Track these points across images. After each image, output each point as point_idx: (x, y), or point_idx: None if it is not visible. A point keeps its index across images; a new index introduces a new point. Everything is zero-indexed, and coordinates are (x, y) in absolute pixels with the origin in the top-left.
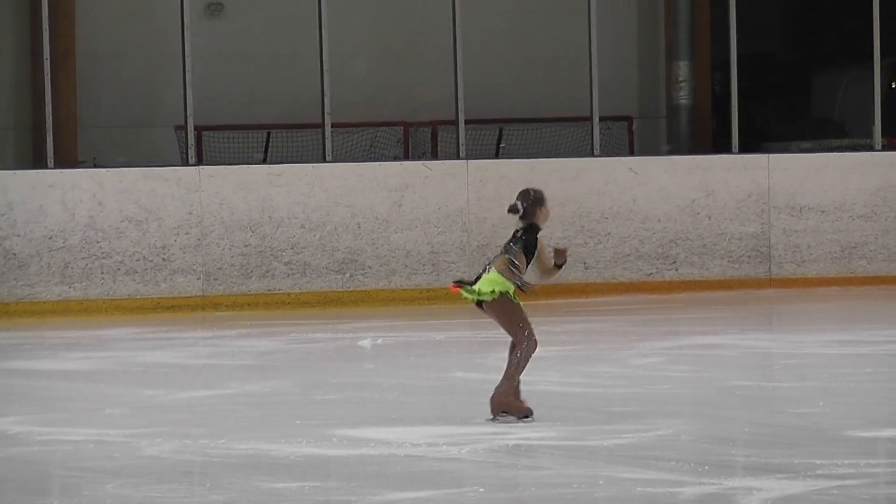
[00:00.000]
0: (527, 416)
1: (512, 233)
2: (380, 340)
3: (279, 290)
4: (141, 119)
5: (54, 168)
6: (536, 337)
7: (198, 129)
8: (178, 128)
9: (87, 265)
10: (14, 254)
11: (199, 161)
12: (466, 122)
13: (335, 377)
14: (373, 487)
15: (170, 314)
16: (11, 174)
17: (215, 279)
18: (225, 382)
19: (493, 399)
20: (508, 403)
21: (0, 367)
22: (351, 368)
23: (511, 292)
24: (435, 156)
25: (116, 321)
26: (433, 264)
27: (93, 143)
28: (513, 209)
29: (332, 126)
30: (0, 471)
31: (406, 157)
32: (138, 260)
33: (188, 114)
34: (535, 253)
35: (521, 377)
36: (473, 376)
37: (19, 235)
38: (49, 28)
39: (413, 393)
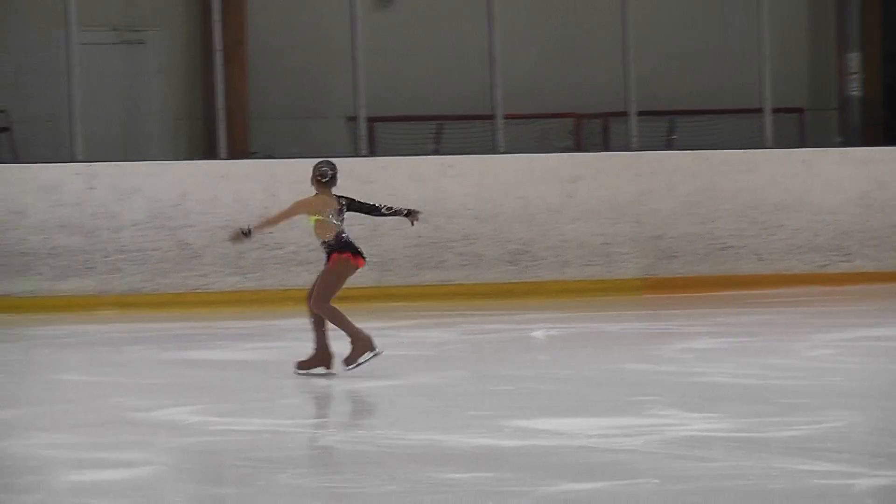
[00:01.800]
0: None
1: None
2: (553, 331)
3: (452, 280)
4: (312, 110)
5: (227, 159)
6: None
7: (369, 120)
8: (349, 119)
9: (260, 256)
10: (188, 244)
11: (372, 152)
12: (637, 113)
13: (508, 368)
14: (546, 478)
15: (343, 305)
16: (185, 165)
17: (388, 270)
18: (399, 373)
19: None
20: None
21: (175, 357)
22: (524, 359)
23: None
24: (606, 147)
25: (290, 312)
26: (605, 255)
27: (264, 134)
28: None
29: (503, 117)
30: (176, 460)
31: (577, 148)
32: (311, 251)
33: (359, 105)
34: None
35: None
36: (647, 368)
37: (193, 226)
38: (221, 20)
39: (586, 384)
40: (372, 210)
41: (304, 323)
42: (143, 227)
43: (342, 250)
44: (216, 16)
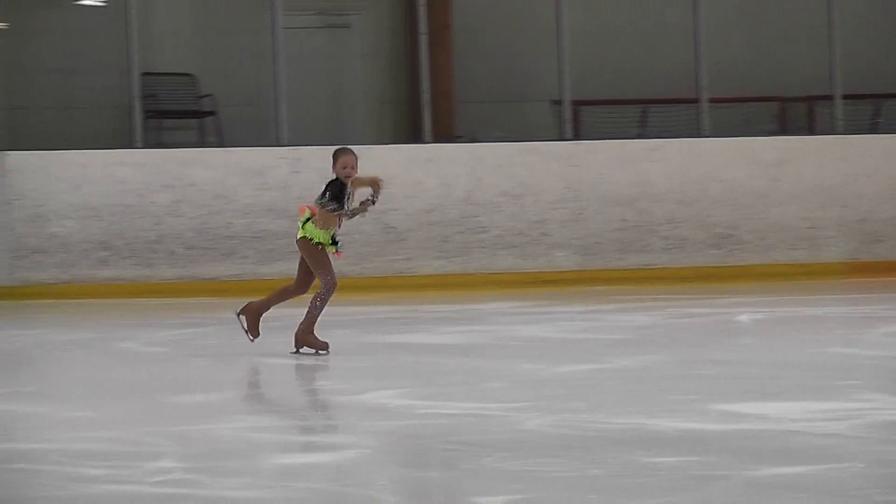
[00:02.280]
0: (322, 351)
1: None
2: (757, 315)
3: (656, 264)
4: (516, 94)
5: (432, 143)
6: (335, 280)
7: (574, 103)
8: (553, 102)
9: (464, 239)
10: (393, 227)
11: (576, 136)
12: (843, 97)
13: (713, 352)
14: (751, 462)
15: (547, 288)
16: (389, 149)
17: (593, 254)
18: (602, 357)
19: (295, 335)
20: (306, 339)
21: (379, 340)
22: (728, 343)
23: (317, 241)
24: (811, 131)
25: (494, 295)
26: (811, 240)
27: (469, 117)
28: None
29: (707, 101)
30: (380, 443)
31: (782, 132)
32: (516, 234)
33: (564, 88)
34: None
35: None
36: (851, 352)
37: (398, 209)
38: (426, 3)
39: (791, 368)
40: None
41: (509, 306)
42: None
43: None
44: None
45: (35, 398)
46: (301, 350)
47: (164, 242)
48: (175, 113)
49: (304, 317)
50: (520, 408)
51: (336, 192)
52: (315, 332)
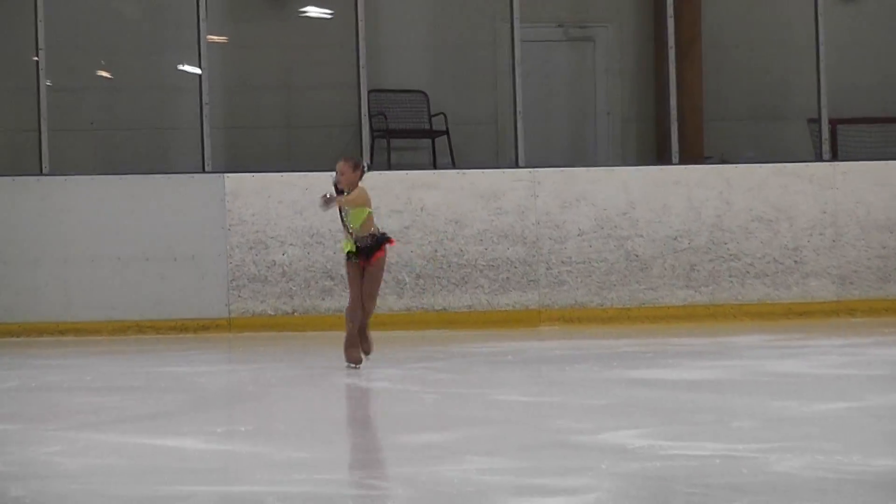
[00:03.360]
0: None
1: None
2: None
3: None
4: (770, 111)
5: (679, 164)
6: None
7: (832, 122)
8: (810, 120)
9: (713, 267)
10: (636, 255)
11: (834, 156)
12: None
13: None
14: None
15: (801, 320)
16: (634, 170)
17: (850, 283)
18: (860, 394)
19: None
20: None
21: (621, 376)
22: None
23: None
24: None
25: (744, 327)
26: None
27: (719, 137)
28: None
29: None
30: (621, 486)
31: None
32: (768, 262)
33: (821, 105)
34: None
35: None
36: None
37: (642, 236)
38: (674, 14)
39: None
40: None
41: (760, 339)
42: (588, 236)
43: (383, 242)
44: (669, 10)
45: (252, 437)
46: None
47: (392, 271)
48: (405, 132)
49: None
50: (771, 448)
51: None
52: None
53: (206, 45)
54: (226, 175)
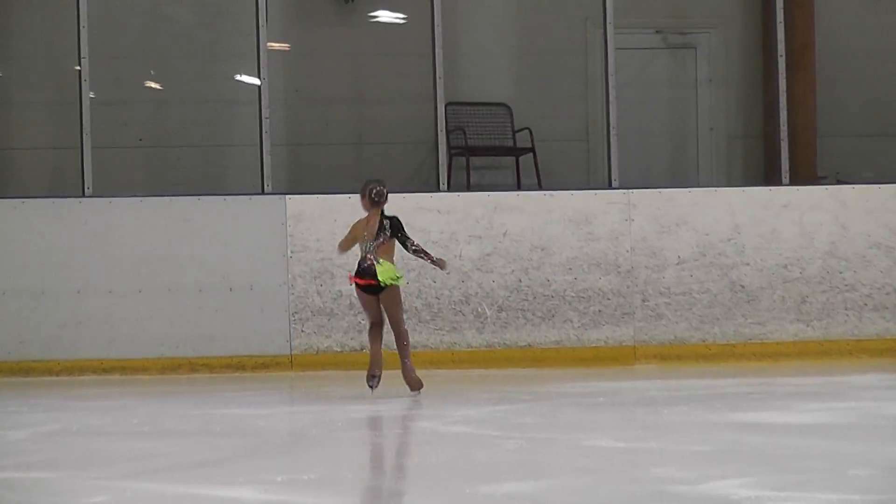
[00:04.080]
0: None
1: (389, 222)
2: None
3: None
4: (890, 126)
5: (789, 185)
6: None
7: None
8: None
9: (827, 299)
10: (742, 286)
11: None
12: None
13: None
14: None
15: None
16: (740, 192)
17: None
18: None
19: (411, 380)
20: (416, 381)
21: (725, 419)
22: None
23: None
24: None
25: (861, 366)
26: None
27: (833, 154)
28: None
29: None
30: None
31: None
32: (888, 293)
33: None
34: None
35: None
36: None
37: (748, 264)
38: (784, 20)
39: None
40: (404, 243)
41: (879, 379)
42: (689, 265)
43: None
44: (779, 16)
45: (315, 487)
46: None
47: (472, 303)
48: (486, 149)
49: (405, 363)
50: (890, 500)
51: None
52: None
53: (267, 53)
54: (287, 196)
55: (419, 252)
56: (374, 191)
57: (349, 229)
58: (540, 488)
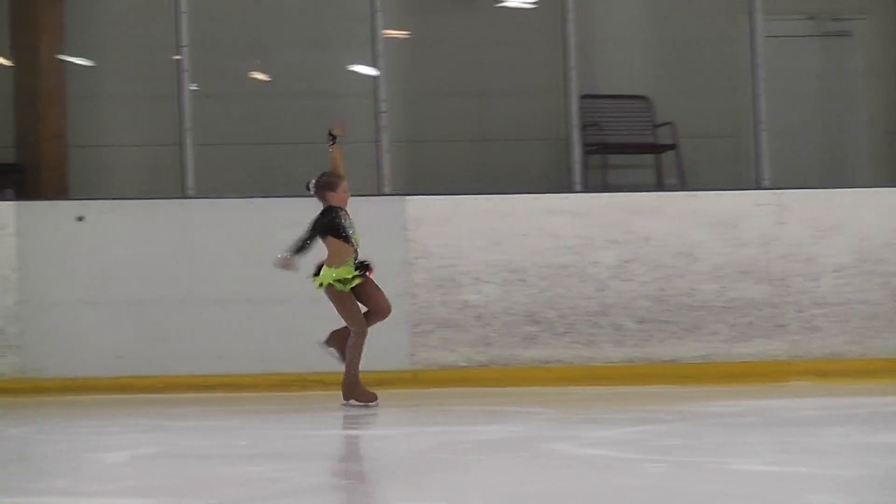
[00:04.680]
0: (372, 403)
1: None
2: None
3: None
4: None
5: None
6: (365, 326)
7: None
8: None
9: None
10: None
11: None
12: None
13: None
14: None
15: None
16: None
17: None
18: None
19: (343, 388)
20: (354, 391)
21: (887, 442)
22: None
23: (340, 284)
24: None
25: None
26: None
27: None
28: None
29: None
30: None
31: None
32: None
33: None
34: (339, 228)
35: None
36: None
37: None
38: None
39: None
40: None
41: None
42: (846, 273)
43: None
44: None
45: None
46: (350, 402)
47: (610, 314)
48: (624, 146)
49: (345, 370)
50: None
51: (325, 224)
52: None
53: (383, 41)
54: (407, 198)
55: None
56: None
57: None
58: None
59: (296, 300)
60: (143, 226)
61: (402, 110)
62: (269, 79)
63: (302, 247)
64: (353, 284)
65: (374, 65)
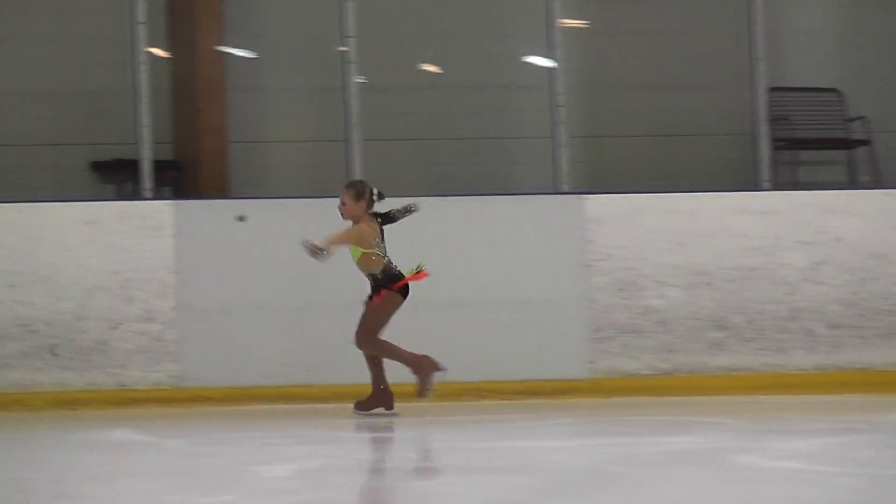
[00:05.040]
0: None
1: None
2: None
3: None
4: None
5: None
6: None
7: None
8: None
9: None
10: None
11: None
12: None
13: None
14: None
15: None
16: None
17: None
18: None
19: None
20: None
21: None
22: None
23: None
24: None
25: None
26: None
27: None
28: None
29: None
30: None
31: None
32: None
33: None
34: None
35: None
36: None
37: None
38: None
39: None
40: (387, 218)
41: None
42: None
43: (392, 283)
44: None
45: None
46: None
47: (800, 319)
48: (814, 142)
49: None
50: None
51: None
52: None
53: (560, 31)
54: (586, 196)
55: (404, 210)
56: (376, 191)
57: (354, 232)
58: None
59: (466, 305)
60: (307, 226)
61: (579, 104)
62: (439, 70)
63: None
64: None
65: (550, 56)
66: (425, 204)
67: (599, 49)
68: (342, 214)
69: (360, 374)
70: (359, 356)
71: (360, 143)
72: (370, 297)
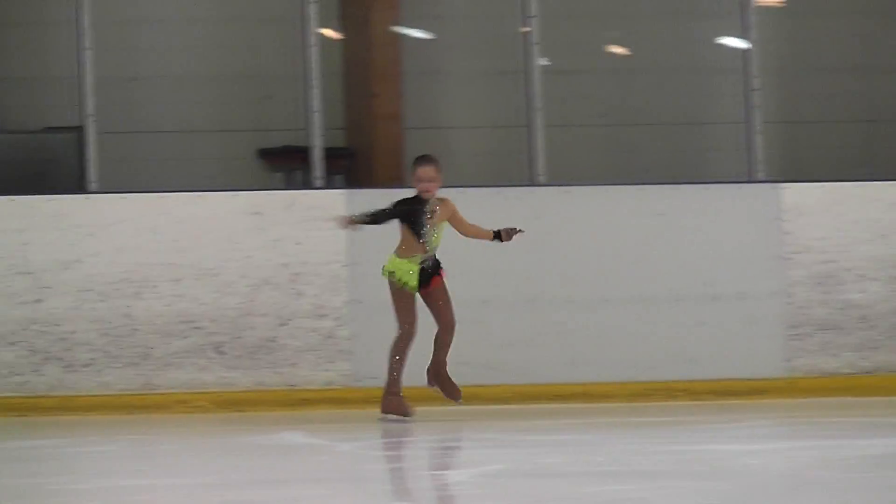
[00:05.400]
0: (408, 417)
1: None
2: None
3: None
4: None
5: None
6: (415, 328)
7: None
8: None
9: None
10: None
11: None
12: None
13: None
14: None
15: None
16: None
17: None
18: None
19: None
20: (390, 403)
21: None
22: None
23: (396, 276)
24: None
25: None
26: None
27: None
28: None
29: None
30: None
31: None
32: None
33: None
34: (413, 219)
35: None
36: None
37: None
38: None
39: None
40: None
41: None
42: None
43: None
44: None
45: None
46: (385, 417)
47: None
48: None
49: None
50: None
51: (404, 210)
52: None
53: (755, 10)
54: (783, 185)
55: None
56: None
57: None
58: None
59: (656, 300)
60: (487, 216)
61: (776, 87)
62: (627, 52)
63: (374, 218)
64: (409, 286)
65: (744, 37)
66: (612, 191)
67: (797, 30)
68: (429, 191)
69: (543, 373)
70: (541, 355)
71: (543, 128)
72: (429, 281)
